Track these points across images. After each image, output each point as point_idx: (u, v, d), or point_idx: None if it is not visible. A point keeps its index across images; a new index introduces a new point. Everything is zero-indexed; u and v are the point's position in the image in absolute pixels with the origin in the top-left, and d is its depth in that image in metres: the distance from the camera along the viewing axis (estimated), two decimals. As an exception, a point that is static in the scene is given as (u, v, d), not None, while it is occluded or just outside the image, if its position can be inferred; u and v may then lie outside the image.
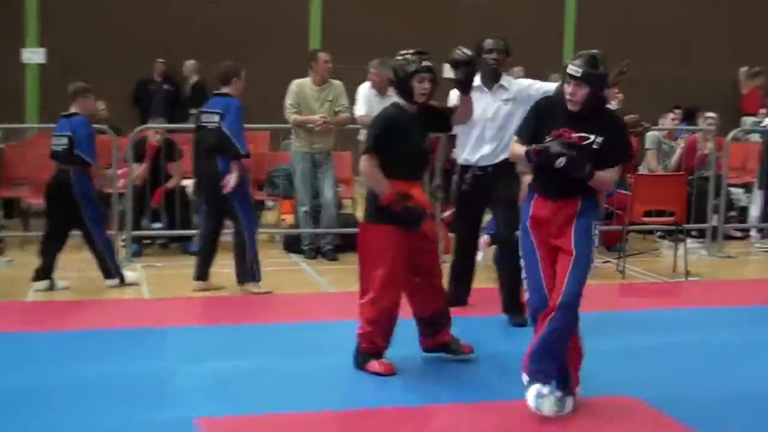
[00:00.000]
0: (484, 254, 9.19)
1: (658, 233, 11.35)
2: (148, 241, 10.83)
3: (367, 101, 10.37)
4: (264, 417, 5.40)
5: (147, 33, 16.58)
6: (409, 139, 6.10)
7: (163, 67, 16.62)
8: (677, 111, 14.00)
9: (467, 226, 7.91)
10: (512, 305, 7.49)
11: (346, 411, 5.59)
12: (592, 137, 5.43)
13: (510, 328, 7.45)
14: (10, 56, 16.11)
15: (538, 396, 5.37)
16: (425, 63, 6.07)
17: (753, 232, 11.76)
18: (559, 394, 5.40)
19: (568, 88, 5.46)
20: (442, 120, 6.43)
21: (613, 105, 11.82)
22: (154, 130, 10.84)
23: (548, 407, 5.35)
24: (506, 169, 7.42)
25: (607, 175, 5.52)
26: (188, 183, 11.13)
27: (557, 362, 5.43)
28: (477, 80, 7.14)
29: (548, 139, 5.42)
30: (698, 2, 18.79)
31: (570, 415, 5.50)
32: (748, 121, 16.75)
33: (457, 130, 7.48)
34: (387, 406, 5.62)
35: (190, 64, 16.51)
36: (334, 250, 10.31)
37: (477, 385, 6.07)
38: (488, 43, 7.56)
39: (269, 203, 12.55)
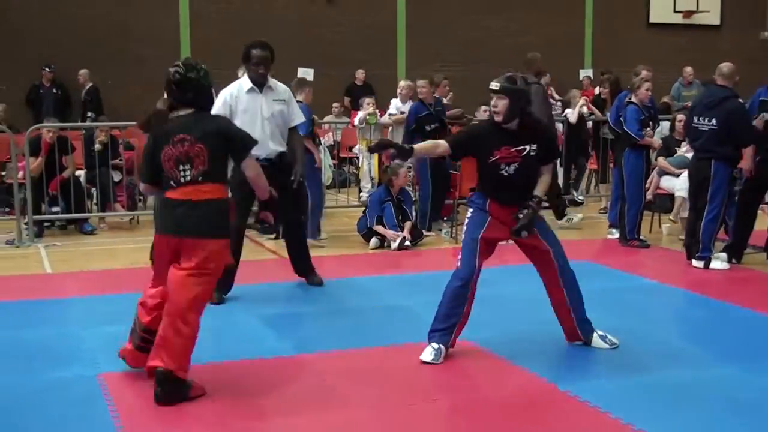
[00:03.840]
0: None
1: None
2: (48, 224, 10.46)
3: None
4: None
5: (38, 43, 16.01)
6: None
7: (51, 75, 16.15)
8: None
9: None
10: (308, 270, 7.51)
11: (227, 362, 5.47)
12: (528, 147, 5.46)
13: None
14: None
15: None
16: None
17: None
18: None
19: (492, 101, 5.42)
20: None
21: (444, 100, 12.03)
22: (47, 129, 10.46)
23: None
24: (283, 159, 7.06)
25: (546, 180, 5.64)
26: (80, 173, 10.85)
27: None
28: (247, 82, 6.99)
29: (492, 159, 5.41)
30: (509, 23, 19.19)
31: (413, 357, 5.51)
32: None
33: None
34: (265, 357, 5.57)
35: (83, 72, 16.11)
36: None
37: (338, 335, 6.06)
38: (255, 54, 6.88)
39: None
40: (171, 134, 4.78)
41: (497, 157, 5.44)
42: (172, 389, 4.71)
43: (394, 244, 9.22)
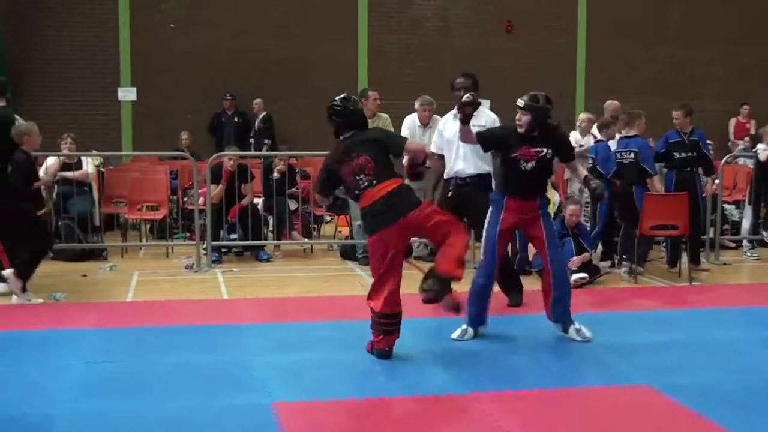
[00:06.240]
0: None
1: (665, 244, 11.09)
2: (225, 250, 10.81)
3: (411, 131, 10.33)
4: (330, 402, 5.32)
5: (221, 72, 16.67)
6: None
7: (231, 102, 16.74)
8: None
9: None
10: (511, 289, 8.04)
11: (399, 397, 5.46)
12: (545, 150, 6.63)
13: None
14: (108, 95, 16.29)
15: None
16: None
17: (745, 243, 11.54)
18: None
19: (517, 115, 6.63)
20: None
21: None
22: (228, 157, 10.83)
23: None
24: (479, 181, 7.90)
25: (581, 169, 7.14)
26: (259, 201, 11.18)
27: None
28: (455, 110, 7.86)
29: (514, 155, 6.60)
30: (696, 53, 18.64)
31: (591, 401, 5.39)
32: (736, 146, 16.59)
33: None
34: (437, 394, 5.53)
35: (257, 101, 16.65)
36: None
37: (512, 374, 5.95)
38: (458, 82, 7.89)
39: (327, 218, 12.52)
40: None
41: (518, 154, 6.61)
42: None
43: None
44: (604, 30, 18.36)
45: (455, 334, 6.77)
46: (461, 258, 5.91)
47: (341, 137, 6.22)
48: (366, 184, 5.98)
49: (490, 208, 6.87)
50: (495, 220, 6.76)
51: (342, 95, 6.31)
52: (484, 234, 6.88)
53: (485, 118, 7.99)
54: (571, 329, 6.74)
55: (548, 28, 18.19)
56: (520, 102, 6.59)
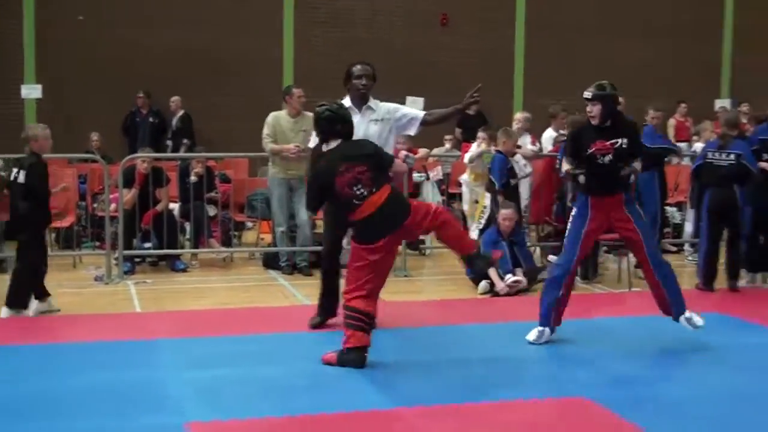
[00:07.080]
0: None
1: (604, 248, 11.28)
2: (139, 260, 10.73)
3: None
4: (247, 421, 5.33)
5: (135, 70, 16.52)
6: None
7: (144, 100, 16.56)
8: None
9: (337, 237, 7.52)
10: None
11: (321, 414, 5.48)
12: (620, 140, 6.87)
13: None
14: (11, 91, 16.00)
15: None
16: None
17: (687, 246, 11.79)
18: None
19: (587, 108, 6.87)
20: None
21: (561, 132, 11.86)
22: (141, 159, 10.75)
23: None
24: None
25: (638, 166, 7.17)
26: (174, 206, 11.12)
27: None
28: (348, 102, 7.43)
29: (590, 150, 6.85)
30: (638, 49, 18.98)
31: (524, 416, 5.48)
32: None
33: None
34: (361, 409, 5.57)
35: (175, 99, 16.53)
36: (309, 266, 10.29)
37: (444, 388, 6.03)
38: (357, 69, 7.54)
39: (249, 224, 12.49)
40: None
41: (593, 149, 6.87)
42: None
43: (501, 285, 9.23)
44: (544, 23, 18.60)
45: (531, 336, 6.97)
46: (461, 234, 6.74)
47: (326, 148, 6.48)
48: (365, 193, 6.26)
49: (574, 211, 7.12)
50: (582, 217, 6.98)
51: (335, 102, 6.68)
52: (568, 227, 7.11)
53: (383, 110, 7.52)
54: (682, 318, 7.05)
55: (485, 20, 18.38)
56: (588, 93, 6.86)
